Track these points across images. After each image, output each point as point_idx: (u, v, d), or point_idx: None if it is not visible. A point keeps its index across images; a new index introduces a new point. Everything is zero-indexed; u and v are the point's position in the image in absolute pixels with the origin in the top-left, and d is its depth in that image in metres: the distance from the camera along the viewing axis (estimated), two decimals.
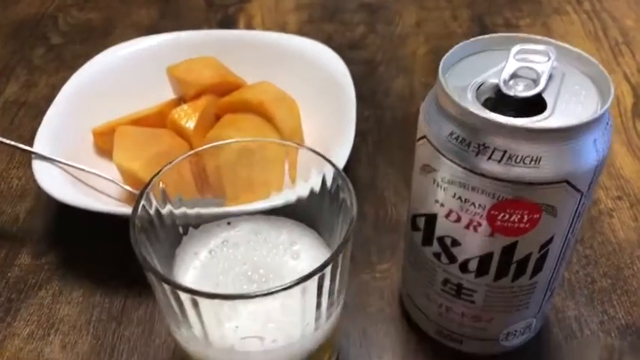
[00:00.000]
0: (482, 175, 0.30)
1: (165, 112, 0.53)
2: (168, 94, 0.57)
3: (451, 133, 0.30)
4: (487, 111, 0.29)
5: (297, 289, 0.29)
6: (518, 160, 0.29)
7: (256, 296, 0.29)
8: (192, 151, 0.37)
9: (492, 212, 0.31)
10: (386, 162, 0.56)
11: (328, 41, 0.61)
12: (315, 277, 0.30)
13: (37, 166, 0.46)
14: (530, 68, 0.31)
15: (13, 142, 0.48)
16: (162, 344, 0.42)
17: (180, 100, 0.54)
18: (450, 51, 0.32)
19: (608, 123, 0.31)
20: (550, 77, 0.31)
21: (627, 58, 0.68)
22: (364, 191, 0.53)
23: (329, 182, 0.37)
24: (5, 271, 0.47)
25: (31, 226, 0.51)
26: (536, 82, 0.31)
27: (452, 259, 0.35)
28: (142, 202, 0.34)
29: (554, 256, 0.34)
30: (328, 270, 0.30)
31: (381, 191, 0.53)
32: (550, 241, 0.33)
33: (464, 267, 0.35)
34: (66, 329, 0.43)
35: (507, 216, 0.31)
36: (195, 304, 0.30)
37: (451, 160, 0.31)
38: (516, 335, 0.39)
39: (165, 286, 0.30)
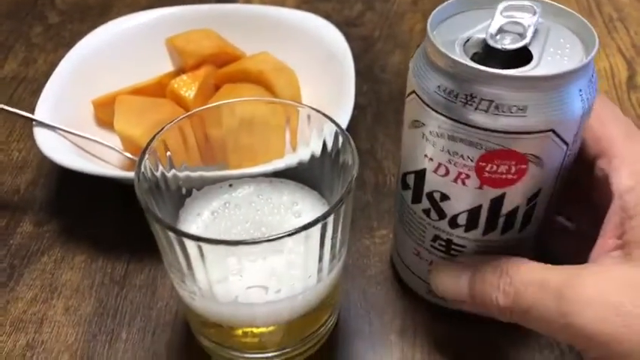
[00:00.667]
0: (470, 125, 0.30)
1: (165, 83, 0.53)
2: (168, 67, 0.57)
3: (439, 86, 0.31)
4: (474, 63, 0.30)
5: (300, 236, 0.30)
6: (504, 110, 0.29)
7: (261, 242, 0.29)
8: (193, 111, 0.37)
9: (480, 164, 0.32)
10: (384, 134, 0.56)
11: (326, 19, 0.61)
12: (318, 226, 0.30)
13: (39, 133, 0.47)
14: (517, 23, 0.32)
15: (15, 110, 0.48)
16: (165, 306, 0.43)
17: (180, 72, 0.55)
18: (439, 7, 0.33)
19: (593, 75, 0.31)
20: (536, 31, 0.31)
21: (622, 34, 0.69)
22: (364, 160, 0.53)
23: (330, 144, 0.37)
24: (7, 239, 0.48)
25: (32, 197, 0.51)
26: (522, 35, 0.31)
27: (441, 214, 0.36)
28: (146, 160, 0.34)
29: (542, 209, 0.34)
30: (330, 220, 0.31)
31: (380, 161, 0.53)
32: (537, 193, 0.33)
33: (453, 222, 0.35)
34: (69, 293, 0.44)
35: (495, 167, 0.32)
36: (201, 253, 0.30)
37: (439, 113, 0.31)
38: None
39: (171, 235, 0.30)
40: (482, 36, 0.32)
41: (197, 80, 0.51)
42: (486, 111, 0.30)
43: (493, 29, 0.31)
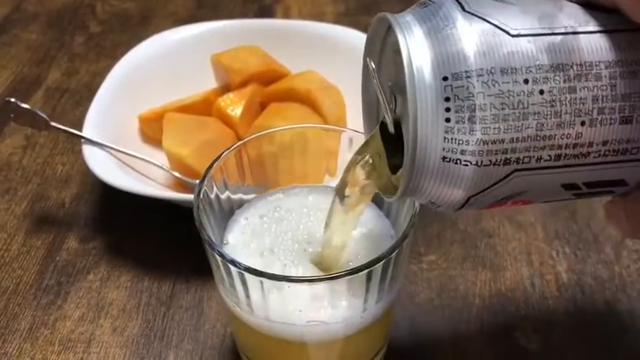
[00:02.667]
0: None
1: (211, 100, 0.53)
2: (212, 82, 0.57)
3: None
4: None
5: (363, 274, 0.30)
6: None
7: (322, 280, 0.29)
8: (248, 138, 0.37)
9: None
10: None
11: (366, 32, 0.60)
12: (380, 264, 0.30)
13: (88, 150, 0.47)
14: None
15: (65, 128, 0.48)
16: (212, 329, 0.42)
17: (225, 88, 0.54)
18: None
19: None
20: None
21: None
22: None
23: None
24: (54, 255, 0.48)
25: (76, 212, 0.52)
26: None
27: None
28: (204, 186, 0.34)
29: None
30: (393, 256, 0.30)
31: None
32: None
33: None
34: (115, 313, 0.44)
35: None
36: (262, 287, 0.30)
37: None
38: None
39: (232, 268, 0.30)
40: None
41: (243, 99, 0.51)
42: None
43: None
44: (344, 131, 0.39)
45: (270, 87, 0.53)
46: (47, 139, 0.58)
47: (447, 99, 0.22)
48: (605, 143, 0.23)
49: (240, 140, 0.37)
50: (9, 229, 0.50)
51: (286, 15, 0.76)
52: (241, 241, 0.36)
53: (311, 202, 0.38)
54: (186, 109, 0.52)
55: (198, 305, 0.44)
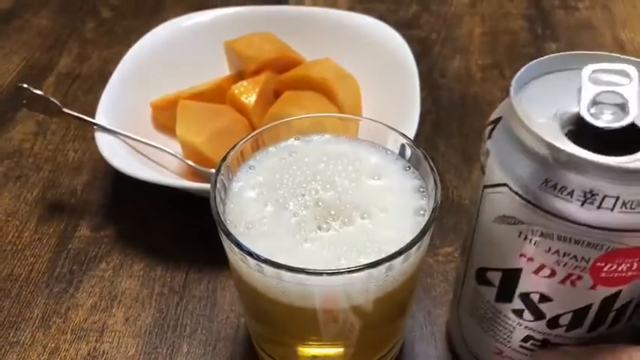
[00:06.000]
0: (590, 226, 0.26)
1: (224, 87, 0.52)
2: (225, 69, 0.56)
3: (546, 181, 0.26)
4: (601, 157, 0.25)
5: (384, 265, 0.29)
6: (633, 206, 0.25)
7: (341, 273, 0.28)
8: (261, 129, 0.36)
9: (598, 264, 0.27)
10: (445, 144, 0.55)
11: (380, 20, 0.59)
12: (402, 256, 0.29)
13: (100, 138, 0.46)
14: (613, 92, 0.27)
15: (78, 114, 0.47)
16: (226, 320, 0.42)
17: (239, 75, 0.54)
18: (516, 77, 0.28)
19: None
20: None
21: None
22: None
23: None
24: (66, 243, 0.47)
25: (88, 199, 0.51)
26: (624, 108, 0.27)
27: (539, 315, 0.31)
28: (220, 176, 0.33)
29: None
30: (415, 247, 0.30)
31: (442, 174, 0.52)
32: None
33: (553, 322, 0.31)
34: (128, 302, 0.43)
35: (615, 266, 0.28)
36: (279, 278, 0.29)
37: (548, 212, 0.27)
38: None
39: (250, 260, 0.29)
40: (573, 110, 0.27)
41: (257, 86, 0.50)
42: (611, 209, 0.25)
43: (586, 102, 0.27)
44: (361, 120, 0.38)
45: (284, 75, 0.52)
46: (58, 126, 0.58)
47: None
48: None
49: (256, 129, 0.36)
50: (20, 216, 0.50)
51: (300, 2, 0.75)
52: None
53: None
54: (199, 96, 0.51)
55: (211, 295, 0.44)
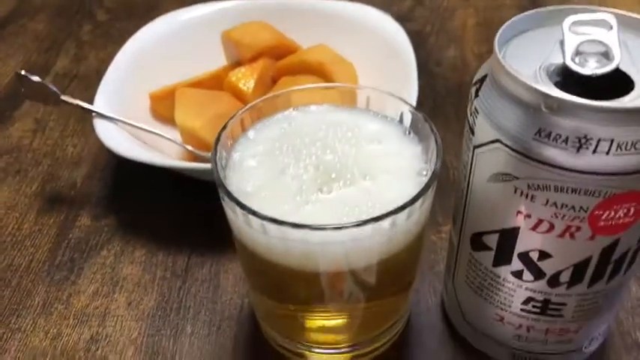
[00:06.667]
0: (587, 172, 0.26)
1: (222, 77, 0.52)
2: (223, 61, 0.57)
3: (540, 130, 0.26)
4: (592, 100, 0.25)
5: (387, 220, 0.29)
6: (628, 148, 0.25)
7: (346, 227, 0.28)
8: (252, 103, 0.36)
9: (596, 212, 0.27)
10: (444, 127, 0.55)
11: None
12: (405, 211, 0.29)
13: (99, 124, 0.46)
14: (595, 41, 0.27)
15: (76, 101, 0.47)
16: (229, 300, 0.42)
17: (236, 65, 0.54)
18: (500, 31, 0.29)
19: None
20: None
21: None
22: None
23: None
24: (66, 232, 0.47)
25: (88, 191, 0.51)
26: (607, 55, 0.27)
27: (538, 274, 0.31)
28: (220, 143, 0.33)
29: None
30: (419, 202, 0.30)
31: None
32: None
33: (554, 280, 0.31)
34: (130, 287, 0.43)
35: (613, 213, 0.27)
36: (284, 237, 0.29)
37: (544, 163, 0.26)
38: (598, 339, 0.36)
39: (253, 220, 0.29)
40: (557, 61, 0.27)
41: (255, 73, 0.51)
42: (607, 153, 0.25)
43: (570, 52, 0.27)
44: (359, 90, 0.37)
45: (281, 61, 0.52)
46: (56, 122, 0.58)
47: None
48: None
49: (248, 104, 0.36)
50: (20, 208, 0.49)
51: None
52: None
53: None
54: (197, 85, 0.52)
55: (214, 278, 0.43)
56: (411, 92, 0.47)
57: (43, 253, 0.46)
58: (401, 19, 0.69)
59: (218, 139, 0.33)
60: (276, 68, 0.52)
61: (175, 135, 0.50)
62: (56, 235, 0.47)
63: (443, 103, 0.58)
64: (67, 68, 0.65)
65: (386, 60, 0.53)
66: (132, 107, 0.51)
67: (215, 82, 0.52)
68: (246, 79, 0.50)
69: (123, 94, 0.51)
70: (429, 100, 0.58)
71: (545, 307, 0.33)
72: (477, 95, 0.29)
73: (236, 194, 0.30)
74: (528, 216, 0.29)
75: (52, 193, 0.51)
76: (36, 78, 0.46)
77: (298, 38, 0.56)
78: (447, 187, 0.49)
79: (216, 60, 0.56)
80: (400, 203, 0.29)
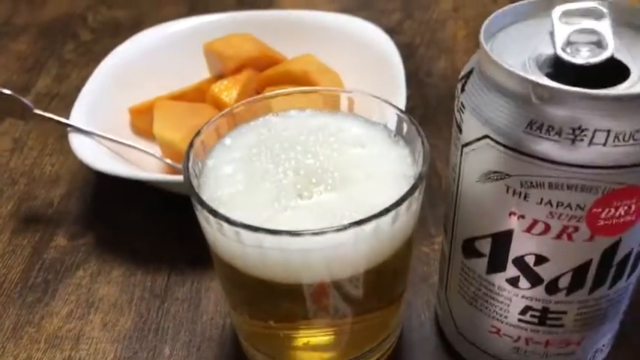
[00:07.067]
0: (583, 166, 0.24)
1: (204, 89, 0.51)
2: (205, 75, 0.55)
3: (531, 123, 0.24)
4: (587, 89, 0.23)
5: (371, 224, 0.27)
6: (626, 138, 0.23)
7: (326, 232, 0.26)
8: (228, 109, 0.34)
9: (594, 210, 0.25)
10: (434, 135, 0.53)
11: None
12: (390, 214, 0.27)
13: (75, 138, 0.44)
14: (587, 30, 0.26)
15: (50, 115, 0.45)
16: (210, 320, 0.39)
17: (219, 78, 0.52)
18: (486, 23, 0.27)
19: None
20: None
21: None
22: None
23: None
24: (41, 253, 0.45)
25: (66, 210, 0.49)
26: (600, 44, 0.25)
27: (536, 280, 0.29)
28: (193, 150, 0.31)
29: None
30: (404, 205, 0.28)
31: (433, 162, 0.50)
32: None
33: (552, 287, 0.29)
34: (106, 308, 0.41)
35: (612, 211, 0.25)
36: (259, 244, 0.27)
37: (536, 157, 0.25)
38: (603, 350, 0.34)
39: (227, 228, 0.27)
40: (546, 51, 0.26)
41: (238, 84, 0.49)
42: (604, 144, 0.23)
43: (561, 42, 0.25)
44: (341, 93, 0.35)
45: (265, 72, 0.51)
46: (35, 141, 0.56)
47: None
48: None
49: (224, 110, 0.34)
50: None
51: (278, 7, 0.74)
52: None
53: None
54: (179, 98, 0.50)
55: (195, 297, 0.41)
56: (399, 98, 0.45)
57: (16, 274, 0.43)
58: (390, 31, 0.68)
59: (191, 146, 0.31)
60: (260, 79, 0.51)
61: (157, 150, 0.48)
62: (30, 255, 0.45)
63: (434, 112, 0.56)
64: (49, 87, 0.64)
65: (374, 70, 0.52)
66: (111, 122, 0.50)
67: (198, 95, 0.51)
68: (228, 91, 0.48)
69: (101, 108, 0.49)
70: (420, 109, 0.56)
71: (544, 317, 0.30)
72: (462, 90, 0.28)
73: (210, 202, 0.28)
74: (522, 217, 0.27)
75: (27, 212, 0.49)
76: (7, 91, 0.45)
77: (286, 51, 0.55)
78: (439, 196, 0.47)
79: (199, 74, 0.55)
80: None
